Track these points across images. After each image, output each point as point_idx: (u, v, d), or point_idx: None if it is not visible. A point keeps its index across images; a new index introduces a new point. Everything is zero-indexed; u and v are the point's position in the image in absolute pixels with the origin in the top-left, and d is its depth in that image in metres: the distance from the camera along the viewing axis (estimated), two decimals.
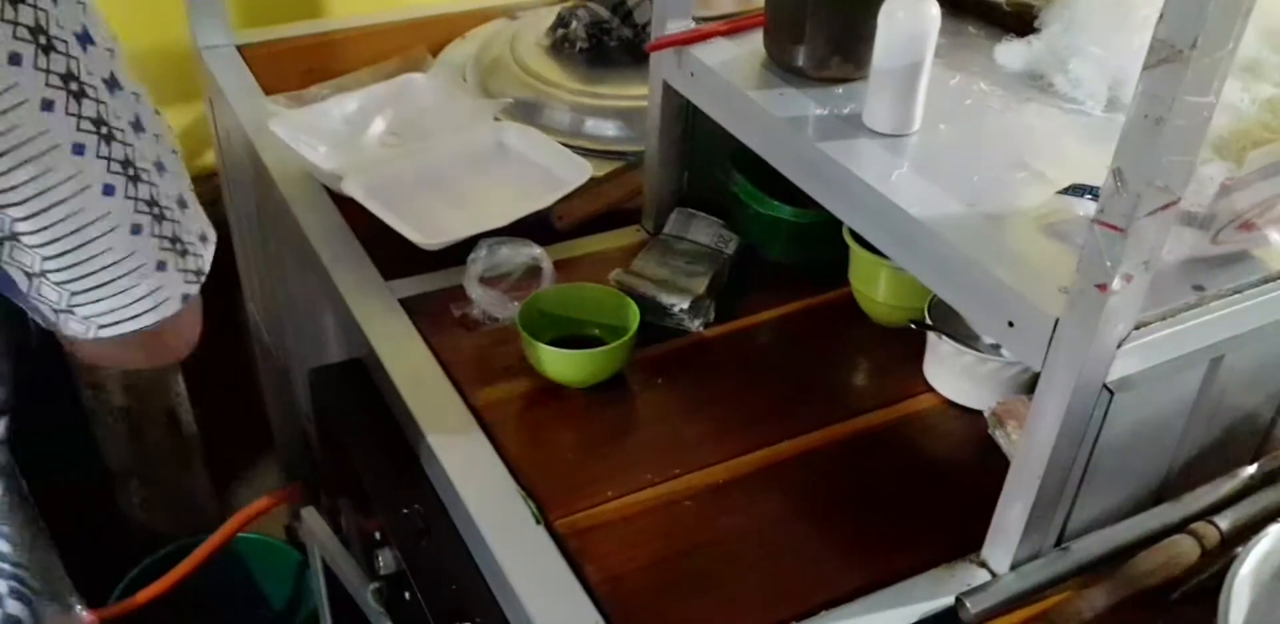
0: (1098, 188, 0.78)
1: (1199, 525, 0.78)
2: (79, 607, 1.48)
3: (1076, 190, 0.79)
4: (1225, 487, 0.81)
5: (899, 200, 0.80)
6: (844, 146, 0.86)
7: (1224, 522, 0.78)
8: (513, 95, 1.30)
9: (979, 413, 0.92)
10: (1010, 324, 0.73)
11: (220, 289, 1.86)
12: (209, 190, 1.75)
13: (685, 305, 1.00)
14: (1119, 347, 0.70)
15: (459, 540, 0.87)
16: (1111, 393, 0.72)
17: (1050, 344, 0.70)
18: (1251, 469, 0.82)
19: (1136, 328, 0.70)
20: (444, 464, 0.88)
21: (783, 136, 0.90)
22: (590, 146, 1.26)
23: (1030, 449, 0.74)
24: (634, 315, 0.95)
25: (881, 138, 0.87)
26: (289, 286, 1.32)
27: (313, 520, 1.10)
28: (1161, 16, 0.58)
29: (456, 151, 1.17)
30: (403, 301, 1.04)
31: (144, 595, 1.56)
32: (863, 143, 0.86)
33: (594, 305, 0.99)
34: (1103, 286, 0.66)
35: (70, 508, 1.68)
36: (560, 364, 0.93)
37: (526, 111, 1.29)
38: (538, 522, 0.83)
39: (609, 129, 1.29)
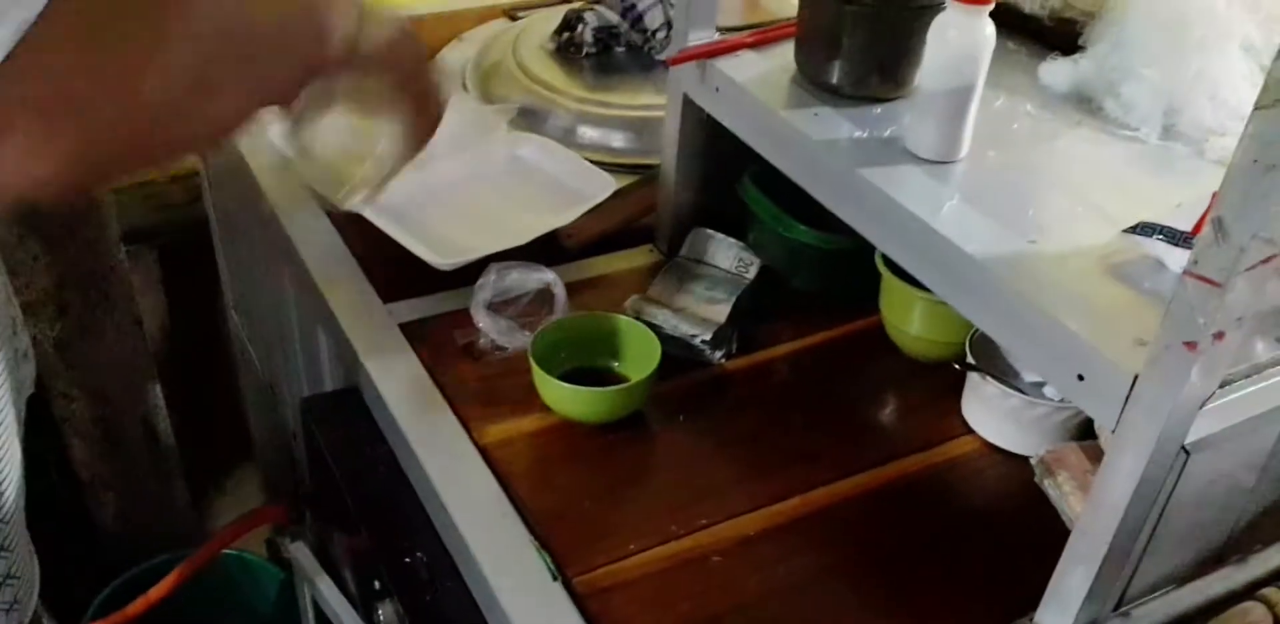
0: (1168, 227, 0.73)
1: (1270, 592, 0.73)
2: None
3: (1145, 229, 0.73)
4: None
5: (952, 235, 0.73)
6: (888, 173, 0.80)
7: None
8: (515, 102, 1.23)
9: (1024, 458, 0.87)
10: (1080, 377, 0.67)
11: (202, 294, 1.79)
12: (189, 189, 1.67)
13: (708, 337, 0.94)
14: (1201, 407, 0.64)
15: (468, 595, 0.80)
16: (1188, 454, 0.66)
17: (1127, 402, 0.64)
18: None
19: (1220, 386, 0.64)
20: (450, 511, 0.81)
21: (819, 161, 0.83)
22: (595, 158, 1.19)
23: (1098, 512, 0.68)
24: (655, 350, 0.88)
25: (927, 164, 0.81)
26: (278, 302, 1.24)
27: (304, 559, 1.03)
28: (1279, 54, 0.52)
29: (467, 164, 1.10)
30: (403, 327, 0.97)
31: (117, 619, 1.49)
32: (907, 170, 0.80)
33: (611, 336, 0.92)
34: (1192, 345, 0.60)
35: (41, 521, 1.61)
36: (576, 402, 0.87)
37: (529, 120, 1.22)
38: (554, 578, 0.77)
39: (616, 139, 1.23)
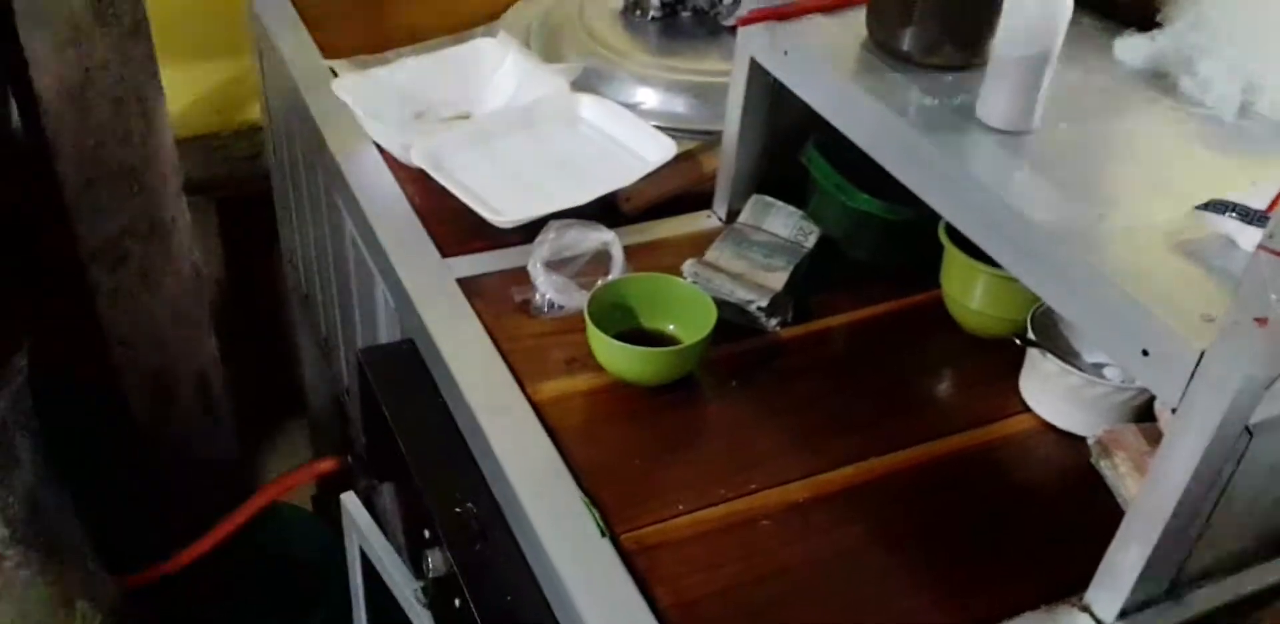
0: (1242, 205, 0.71)
1: None
2: (101, 573, 1.44)
3: (1218, 207, 0.71)
4: None
5: (1021, 206, 0.73)
6: (957, 142, 0.79)
7: None
8: (579, 63, 1.23)
9: (1081, 438, 0.86)
10: (1145, 352, 0.66)
11: (258, 247, 1.81)
12: (252, 145, 1.69)
13: (764, 303, 0.93)
14: (1269, 387, 0.63)
15: (516, 547, 0.81)
16: (1251, 435, 0.65)
17: (1192, 379, 0.63)
18: None
19: None
20: (502, 464, 0.82)
21: (888, 128, 0.82)
22: (656, 122, 1.19)
23: (1155, 492, 0.67)
24: (711, 314, 0.88)
25: (997, 134, 0.80)
26: (338, 256, 1.26)
27: (354, 508, 1.05)
28: None
29: (529, 122, 1.10)
30: (460, 282, 0.98)
31: (171, 566, 1.52)
32: (978, 139, 0.79)
33: (667, 299, 0.92)
34: (1262, 321, 0.59)
35: (96, 469, 1.64)
36: (630, 361, 0.87)
37: (592, 82, 1.22)
38: (602, 534, 0.77)
39: (678, 104, 1.22)
